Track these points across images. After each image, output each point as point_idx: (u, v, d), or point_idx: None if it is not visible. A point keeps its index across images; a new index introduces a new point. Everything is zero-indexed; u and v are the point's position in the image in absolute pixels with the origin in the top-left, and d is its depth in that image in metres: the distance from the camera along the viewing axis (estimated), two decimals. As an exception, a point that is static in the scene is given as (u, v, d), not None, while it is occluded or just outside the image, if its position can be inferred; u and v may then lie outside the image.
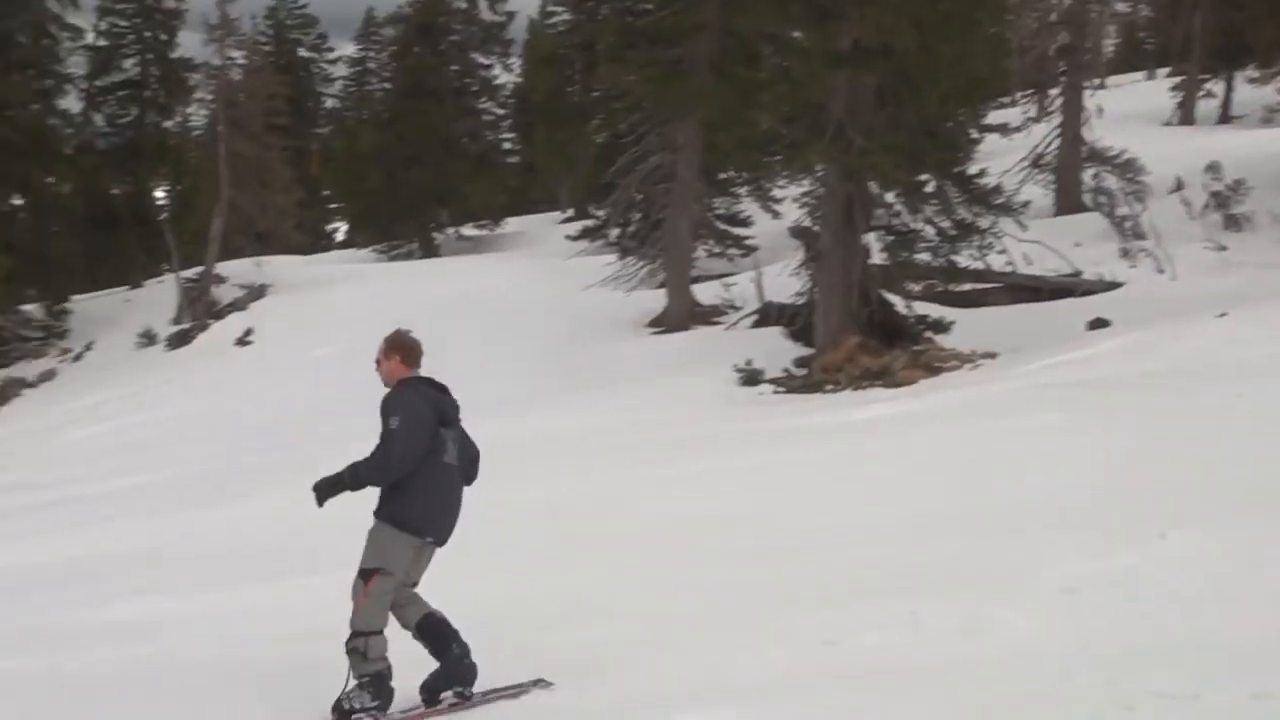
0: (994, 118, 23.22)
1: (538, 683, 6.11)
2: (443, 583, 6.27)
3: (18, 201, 34.23)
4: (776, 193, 31.09)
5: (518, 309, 25.90)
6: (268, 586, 9.03)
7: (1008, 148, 28.14)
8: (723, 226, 31.47)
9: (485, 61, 50.05)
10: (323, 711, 6.06)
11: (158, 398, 23.10)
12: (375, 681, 5.89)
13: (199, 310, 30.04)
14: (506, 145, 54.61)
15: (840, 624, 6.58)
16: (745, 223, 32.13)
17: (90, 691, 7.10)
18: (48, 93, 35.43)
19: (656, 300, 25.42)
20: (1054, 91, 30.69)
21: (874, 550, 8.32)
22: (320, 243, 53.47)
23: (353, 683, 5.89)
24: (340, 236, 59.26)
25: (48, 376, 28.39)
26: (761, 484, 11.35)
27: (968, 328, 18.72)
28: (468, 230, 46.96)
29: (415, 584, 6.18)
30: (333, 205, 58.94)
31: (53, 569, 10.89)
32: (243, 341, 27.07)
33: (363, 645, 5.90)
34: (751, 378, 18.41)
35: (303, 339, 25.37)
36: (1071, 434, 11.21)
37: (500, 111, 52.65)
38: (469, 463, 6.34)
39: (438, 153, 44.62)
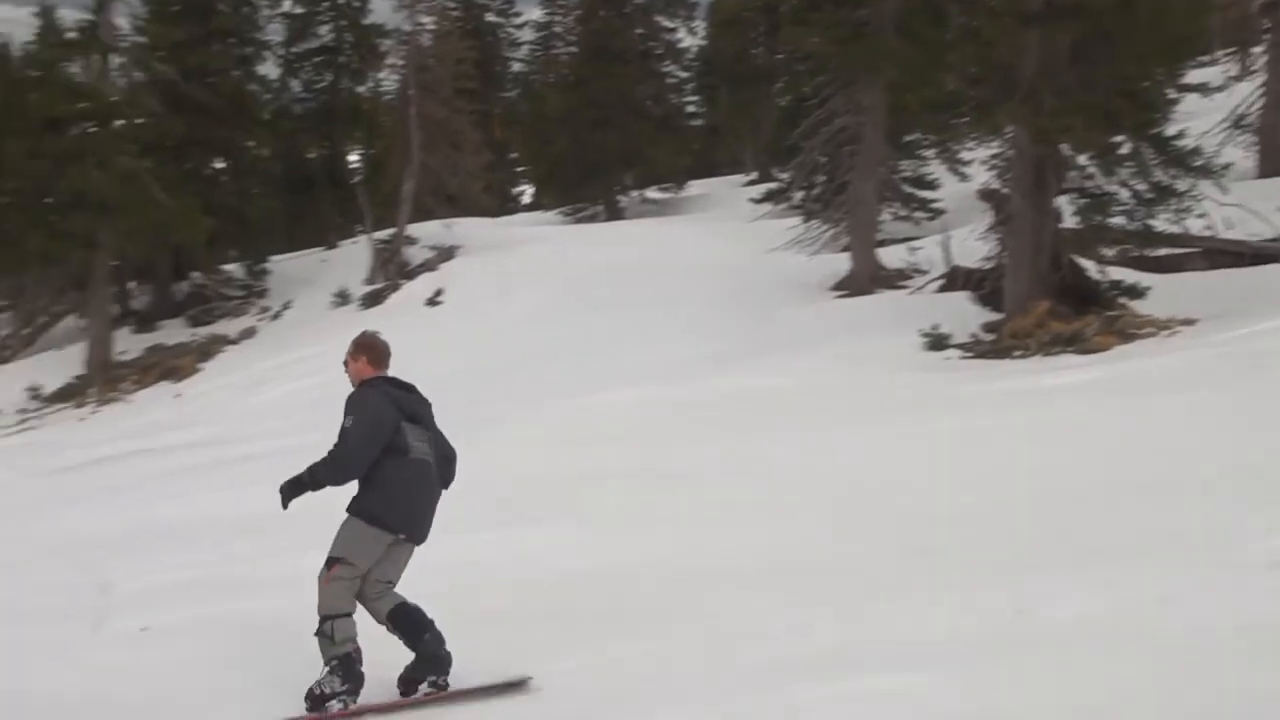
0: (1193, 77, 22.26)
1: (520, 683, 6.03)
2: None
3: (220, 165, 35.54)
4: (964, 155, 30.43)
5: (700, 271, 25.86)
6: (457, 539, 9.20)
7: (1208, 108, 26.91)
8: (908, 189, 30.95)
9: (669, 24, 49.95)
10: (516, 660, 6.20)
11: (351, 355, 23.76)
12: (344, 664, 5.94)
13: (391, 271, 30.73)
14: (690, 108, 54.49)
15: (1032, 592, 6.44)
16: (931, 185, 31.51)
17: (286, 636, 7.37)
18: (247, 59, 36.68)
19: (840, 264, 25.12)
20: (1257, 49, 29.22)
21: (1066, 518, 8.12)
22: (508, 205, 54.22)
23: (324, 669, 5.94)
24: (527, 199, 59.96)
25: (248, 334, 29.43)
26: (948, 449, 11.15)
27: (1164, 294, 18.02)
28: (652, 193, 47.06)
29: (393, 584, 6.23)
30: (520, 168, 59.65)
31: (251, 519, 11.28)
32: (433, 301, 27.63)
33: (329, 629, 5.97)
34: (938, 342, 18.06)
35: (491, 299, 25.76)
36: (1276, 402, 10.75)
37: (684, 74, 52.53)
38: (443, 462, 6.43)
39: (622, 116, 44.75)
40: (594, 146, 44.03)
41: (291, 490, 6.29)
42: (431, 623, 6.11)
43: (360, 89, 42.87)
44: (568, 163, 46.13)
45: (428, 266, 30.59)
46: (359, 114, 42.20)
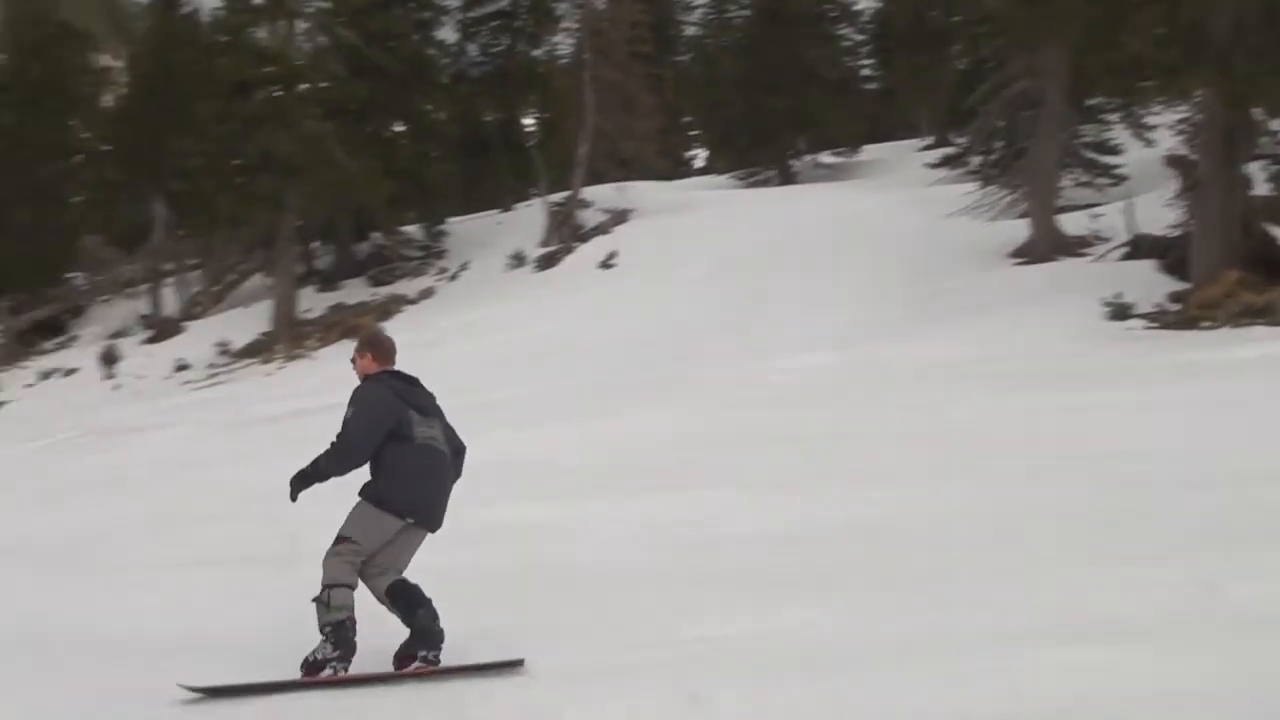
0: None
1: (515, 664, 5.95)
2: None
3: (399, 128, 36.26)
4: (1149, 119, 29.44)
5: (873, 237, 25.57)
6: (635, 499, 9.32)
7: None
8: (1090, 155, 30.07)
9: (844, -14, 49.40)
10: (694, 620, 6.27)
11: (526, 317, 24.08)
12: (336, 631, 5.99)
13: (565, 233, 31.05)
14: (865, 72, 53.75)
15: (1225, 568, 6.26)
16: (1115, 150, 30.55)
17: (473, 586, 7.56)
18: (426, 24, 37.37)
19: (1019, 230, 24.57)
20: None
21: (1260, 496, 7.87)
22: (680, 169, 54.22)
23: (320, 638, 6.00)
24: (700, 163, 59.90)
25: (427, 294, 30.07)
26: (1135, 420, 10.88)
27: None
28: (825, 157, 46.62)
29: (400, 570, 6.27)
30: (693, 132, 59.60)
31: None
32: (606, 264, 27.86)
33: (326, 596, 6.05)
34: (1120, 312, 17.61)
35: (663, 262, 25.87)
36: None
37: (859, 37, 51.79)
38: (454, 455, 6.49)
39: (796, 79, 44.33)
40: (767, 110, 43.71)
41: (299, 483, 6.43)
42: (428, 600, 6.16)
43: (536, 53, 43.26)
44: (740, 126, 45.94)
45: (601, 230, 30.83)
46: (534, 78, 42.60)
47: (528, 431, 13.05)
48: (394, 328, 26.96)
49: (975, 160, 30.09)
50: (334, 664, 6.00)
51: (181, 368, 28.90)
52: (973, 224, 25.81)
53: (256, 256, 37.70)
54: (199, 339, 31.66)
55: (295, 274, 31.55)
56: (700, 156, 60.66)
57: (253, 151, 28.90)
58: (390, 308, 29.16)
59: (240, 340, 29.74)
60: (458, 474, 6.61)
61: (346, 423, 6.26)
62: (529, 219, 33.45)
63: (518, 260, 30.14)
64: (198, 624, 7.98)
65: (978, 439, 10.83)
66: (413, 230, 35.77)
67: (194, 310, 37.13)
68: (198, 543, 10.82)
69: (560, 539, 8.47)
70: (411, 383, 6.48)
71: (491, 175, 39.26)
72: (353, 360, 6.63)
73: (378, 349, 6.59)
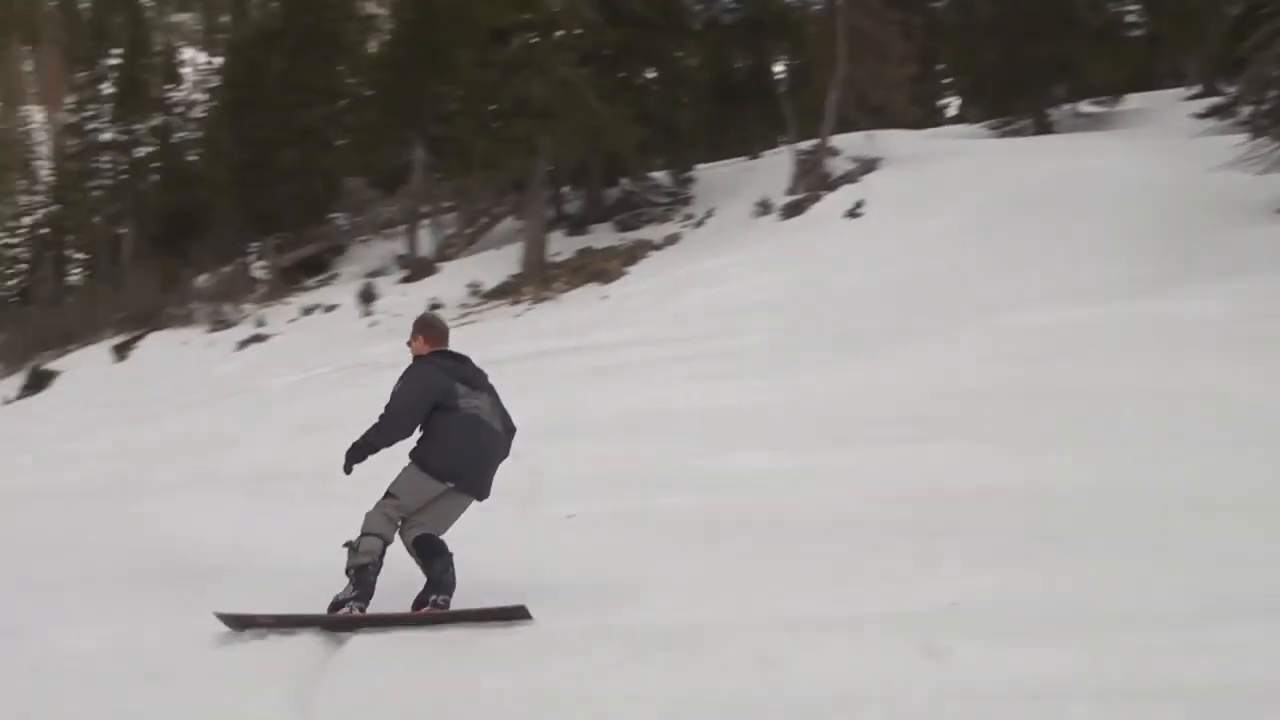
0: None
1: (517, 610, 6.18)
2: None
3: (651, 75, 36.44)
4: None
5: (1133, 189, 24.43)
6: (877, 450, 9.20)
7: None
8: (1378, 103, 28.09)
9: (1113, -74, 47.20)
10: (932, 574, 6.17)
11: (770, 264, 23.95)
12: (359, 573, 6.41)
13: (812, 181, 30.71)
14: (1130, 17, 51.34)
15: None
16: None
17: (703, 533, 7.59)
18: (680, -29, 37.31)
19: (1292, 184, 23.20)
20: None
21: None
22: (932, 117, 52.99)
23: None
24: (952, 111, 58.43)
25: (672, 240, 30.24)
26: None
27: None
28: (1085, 107, 44.78)
29: (439, 532, 6.59)
30: (946, 80, 58.13)
31: (673, 418, 11.67)
32: (852, 213, 27.44)
33: (356, 543, 6.49)
34: (1405, 272, 16.49)
35: (911, 212, 25.34)
36: None
37: (1127, -20, 49.57)
38: (505, 431, 6.96)
39: (1056, 25, 42.66)
40: (1024, 57, 42.16)
41: (353, 455, 6.79)
42: (449, 556, 6.49)
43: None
44: (995, 74, 44.47)
45: (849, 178, 30.36)
46: (786, 25, 42.12)
47: (768, 379, 13.00)
48: (639, 273, 27.27)
49: (1246, 110, 28.40)
50: (352, 603, 6.41)
51: (434, 307, 29.82)
52: (1241, 178, 24.42)
53: (509, 200, 38.57)
54: (451, 279, 32.61)
55: (545, 218, 32.11)
56: (953, 105, 59.11)
57: (509, 97, 29.47)
58: (636, 252, 29.42)
59: (490, 282, 30.50)
60: (505, 452, 7.05)
61: (393, 396, 6.72)
62: (776, 166, 33.20)
63: (764, 208, 29.98)
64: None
65: (1237, 402, 10.30)
66: (660, 176, 35.98)
67: (447, 251, 38.26)
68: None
69: (798, 488, 8.42)
70: (461, 360, 6.94)
71: (740, 122, 39.12)
72: (409, 343, 7.10)
73: (430, 332, 7.03)
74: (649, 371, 14.98)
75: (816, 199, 29.37)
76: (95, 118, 54.09)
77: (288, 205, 43.21)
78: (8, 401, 36.20)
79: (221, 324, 36.88)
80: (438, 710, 5.19)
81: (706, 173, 35.74)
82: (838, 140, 32.77)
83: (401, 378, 6.81)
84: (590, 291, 27.07)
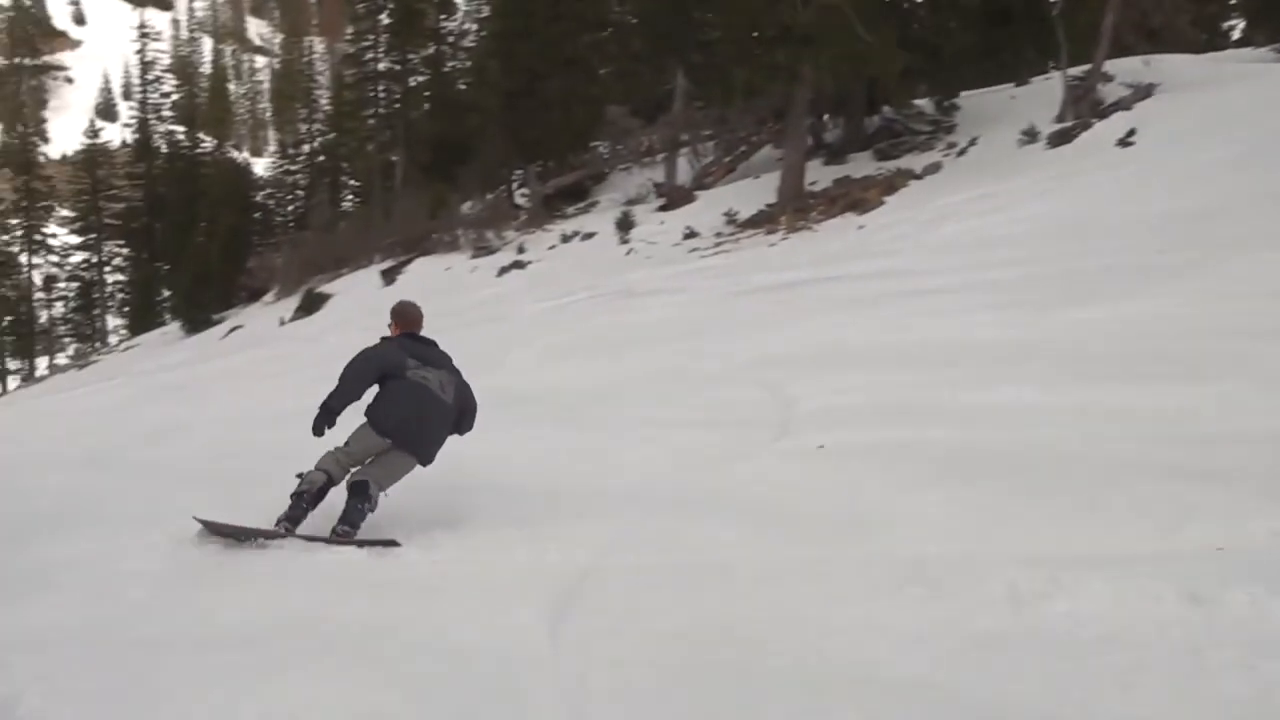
0: None
1: (389, 541, 7.17)
2: None
3: (918, -1, 35.58)
4: None
5: None
6: (1144, 388, 8.81)
7: None
8: None
9: None
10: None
11: (1034, 195, 23.11)
12: (295, 499, 7.41)
13: (1083, 109, 29.46)
14: None
15: None
16: None
17: (959, 468, 7.43)
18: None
19: None
20: None
21: None
22: (1215, 41, 50.14)
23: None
24: (1237, 34, 55.14)
25: (933, 169, 29.50)
26: None
27: None
28: (1389, 27, 41.65)
29: (384, 484, 7.54)
30: (1231, 0, 54.89)
31: (927, 350, 11.44)
32: (1124, 142, 26.18)
33: (304, 472, 7.54)
34: None
35: (1187, 141, 24.00)
36: None
37: None
38: (463, 412, 8.01)
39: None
40: (1323, -26, 39.52)
41: (321, 417, 7.61)
42: (370, 499, 7.39)
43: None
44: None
45: (1122, 105, 28.97)
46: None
47: (1030, 313, 12.58)
48: (896, 204, 26.77)
49: None
50: (284, 522, 7.33)
51: (689, 235, 29.98)
52: None
53: (768, 129, 38.34)
54: (708, 208, 32.69)
55: (805, 146, 31.78)
56: (1238, 28, 55.77)
57: (771, 23, 29.17)
58: (895, 182, 28.84)
59: (746, 211, 30.44)
60: (465, 428, 8.12)
61: (345, 367, 7.71)
62: (1045, 93, 31.99)
63: (1029, 136, 28.91)
64: (693, 479, 8.33)
65: None
66: (923, 104, 35.15)
67: (705, 180, 38.33)
68: (696, 404, 11.25)
69: (1058, 424, 8.16)
70: (424, 342, 8.04)
71: (1010, 47, 37.74)
72: (388, 325, 8.26)
73: (400, 319, 8.21)
74: (905, 302, 14.72)
75: (1086, 127, 28.19)
76: (372, 48, 56.12)
77: (551, 133, 44.05)
78: (284, 323, 38.21)
79: (484, 250, 37.95)
80: (685, 636, 5.27)
81: (971, 100, 34.70)
82: (1112, 65, 31.32)
83: (359, 352, 7.85)
84: (847, 221, 26.71)
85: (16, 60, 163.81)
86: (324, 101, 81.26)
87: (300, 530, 7.34)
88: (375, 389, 7.78)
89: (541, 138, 44.31)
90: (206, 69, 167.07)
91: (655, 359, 14.40)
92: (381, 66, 56.06)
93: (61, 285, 76.49)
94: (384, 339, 8.07)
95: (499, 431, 11.04)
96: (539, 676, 4.95)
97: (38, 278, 75.83)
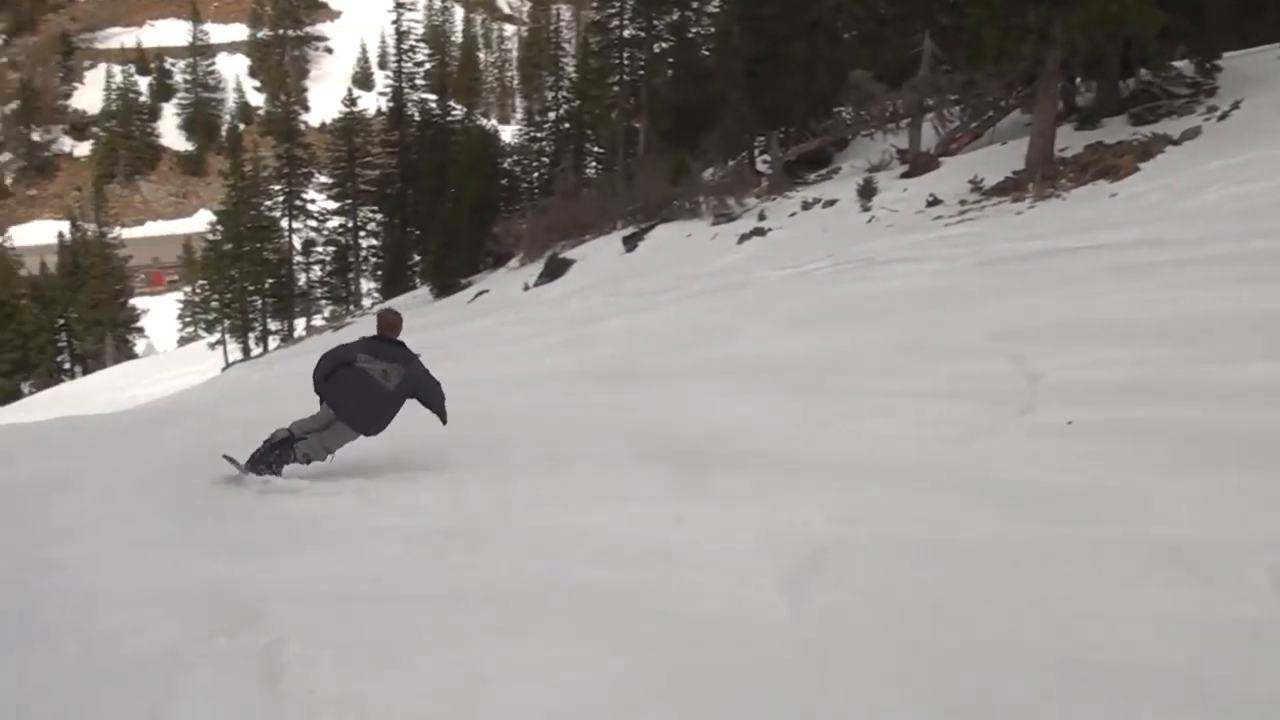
0: None
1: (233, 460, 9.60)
2: None
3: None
4: None
5: None
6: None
7: None
8: None
9: None
10: None
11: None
12: (264, 448, 9.55)
13: (1360, 69, 27.85)
14: None
15: None
16: None
17: (1217, 445, 7.21)
18: None
19: None
20: None
21: None
22: None
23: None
24: None
25: (1191, 135, 28.21)
26: None
27: None
28: None
29: (328, 448, 9.67)
30: None
31: (1182, 325, 11.05)
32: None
33: (276, 429, 9.71)
34: None
35: None
36: None
37: None
38: (413, 394, 9.87)
39: None
40: None
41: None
42: (294, 450, 9.56)
43: None
44: None
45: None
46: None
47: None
48: (1152, 170, 25.76)
49: None
50: (244, 467, 9.53)
51: (933, 203, 29.47)
52: None
53: (1017, 93, 37.30)
54: (952, 175, 32.06)
55: (1054, 112, 30.81)
56: None
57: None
58: (1151, 148, 27.69)
59: (992, 178, 29.73)
60: (431, 405, 10.00)
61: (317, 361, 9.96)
62: (1319, 53, 30.31)
63: (1294, 98, 27.44)
64: (936, 453, 8.29)
65: None
66: (1182, 66, 33.63)
67: (950, 146, 37.60)
68: (937, 375, 11.15)
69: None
70: (383, 340, 10.01)
71: (1277, 5, 35.80)
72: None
73: (378, 322, 10.29)
74: (1159, 273, 14.19)
75: (1364, 88, 26.55)
76: (618, 15, 56.74)
77: (794, 99, 43.80)
78: (527, 287, 39.14)
79: (724, 217, 38.10)
80: (930, 614, 5.29)
81: (1234, 61, 33.02)
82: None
83: (324, 351, 10.15)
84: (1098, 189, 25.80)
85: (281, 32, 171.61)
86: (570, 69, 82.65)
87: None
88: None
89: (784, 103, 44.11)
90: (458, 38, 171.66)
91: (896, 329, 14.27)
92: (626, 33, 56.65)
93: (319, 249, 79.88)
94: (361, 338, 10.24)
95: (737, 400, 11.21)
96: (780, 651, 5.02)
97: (297, 241, 79.37)
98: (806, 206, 35.66)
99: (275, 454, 9.47)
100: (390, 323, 10.22)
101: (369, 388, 9.61)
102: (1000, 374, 10.52)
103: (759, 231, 34.06)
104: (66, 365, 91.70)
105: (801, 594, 5.65)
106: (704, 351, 15.92)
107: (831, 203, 34.73)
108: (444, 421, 9.98)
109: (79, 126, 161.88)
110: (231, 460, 9.55)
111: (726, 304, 21.24)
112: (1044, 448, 7.86)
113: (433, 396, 9.92)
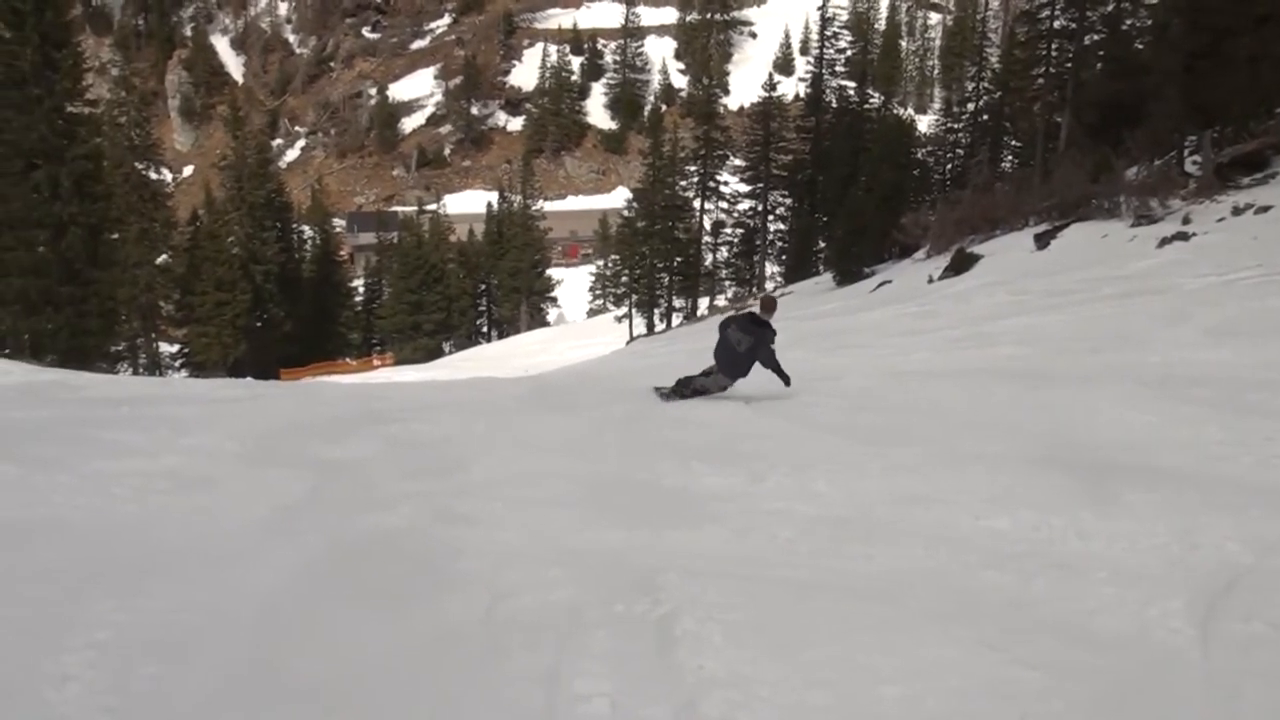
0: None
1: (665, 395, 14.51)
2: None
3: None
4: None
5: None
6: None
7: None
8: None
9: None
10: None
11: None
12: (674, 388, 14.51)
13: None
14: None
15: None
16: None
17: None
18: None
19: None
20: None
21: None
22: None
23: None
24: None
25: None
26: None
27: None
28: None
29: (705, 389, 14.17)
30: None
31: None
32: None
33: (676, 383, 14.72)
34: None
35: None
36: None
37: None
38: (746, 351, 13.56)
39: None
40: None
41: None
42: (690, 385, 14.35)
43: None
44: None
45: None
46: None
47: None
48: None
49: None
50: (668, 394, 14.49)
51: (1387, 213, 26.96)
52: None
53: None
54: None
55: None
56: None
57: None
58: None
59: None
60: (749, 362, 13.67)
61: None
62: None
63: None
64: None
65: None
66: None
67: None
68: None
69: None
70: (753, 318, 13.64)
71: None
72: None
73: (760, 305, 13.90)
74: None
75: None
76: (1049, 5, 54.91)
77: (1233, 97, 41.01)
78: (931, 280, 38.55)
79: (1145, 219, 36.23)
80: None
81: None
82: None
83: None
84: None
85: (709, 16, 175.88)
86: (993, 60, 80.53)
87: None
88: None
89: (1221, 101, 41.35)
90: (881, 25, 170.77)
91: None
92: (1056, 25, 54.71)
93: (727, 231, 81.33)
94: (747, 311, 14.13)
95: (1146, 410, 10.60)
96: (1188, 683, 4.75)
97: (707, 222, 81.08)
98: (1237, 212, 33.33)
99: (685, 390, 14.25)
100: (765, 305, 13.87)
101: (729, 350, 13.75)
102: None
103: (1181, 235, 32.12)
104: (484, 329, 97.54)
105: (1212, 622, 5.28)
106: (1112, 356, 15.27)
107: (1265, 209, 32.31)
108: (786, 384, 13.45)
109: (514, 102, 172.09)
110: (659, 390, 14.60)
111: (1140, 309, 20.21)
112: None
113: (768, 363, 13.41)
